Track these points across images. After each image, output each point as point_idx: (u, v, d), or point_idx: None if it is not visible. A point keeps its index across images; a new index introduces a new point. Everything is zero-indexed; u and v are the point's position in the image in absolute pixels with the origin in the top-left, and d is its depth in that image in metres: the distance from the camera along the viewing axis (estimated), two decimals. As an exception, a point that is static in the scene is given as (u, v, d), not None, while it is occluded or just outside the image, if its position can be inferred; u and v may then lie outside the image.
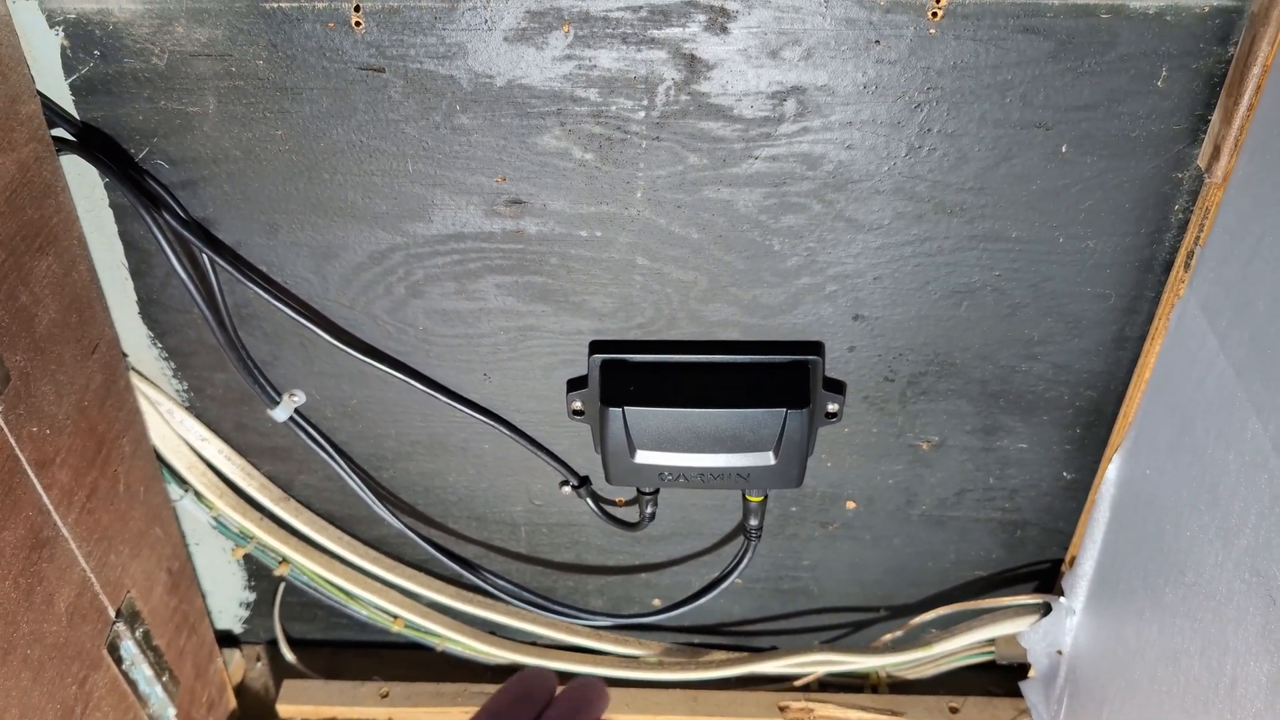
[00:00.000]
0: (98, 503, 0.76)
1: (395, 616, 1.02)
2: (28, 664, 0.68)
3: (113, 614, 0.79)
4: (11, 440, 0.66)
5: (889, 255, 0.76)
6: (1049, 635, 0.95)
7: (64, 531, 0.72)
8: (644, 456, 0.81)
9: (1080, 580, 0.90)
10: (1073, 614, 0.92)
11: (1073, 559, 0.92)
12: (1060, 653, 0.95)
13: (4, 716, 0.66)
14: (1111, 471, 0.84)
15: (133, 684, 0.82)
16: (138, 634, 0.82)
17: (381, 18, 0.66)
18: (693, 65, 0.67)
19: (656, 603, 1.04)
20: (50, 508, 0.70)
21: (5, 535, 0.65)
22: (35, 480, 0.69)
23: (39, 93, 0.69)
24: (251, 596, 1.06)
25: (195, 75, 0.69)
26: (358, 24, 0.66)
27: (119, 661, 0.80)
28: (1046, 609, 0.94)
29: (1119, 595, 0.84)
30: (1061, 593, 0.93)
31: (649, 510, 0.90)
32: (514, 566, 1.02)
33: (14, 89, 0.65)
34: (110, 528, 0.78)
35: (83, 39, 0.67)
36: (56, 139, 0.71)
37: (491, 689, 1.03)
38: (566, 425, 0.88)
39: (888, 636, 1.03)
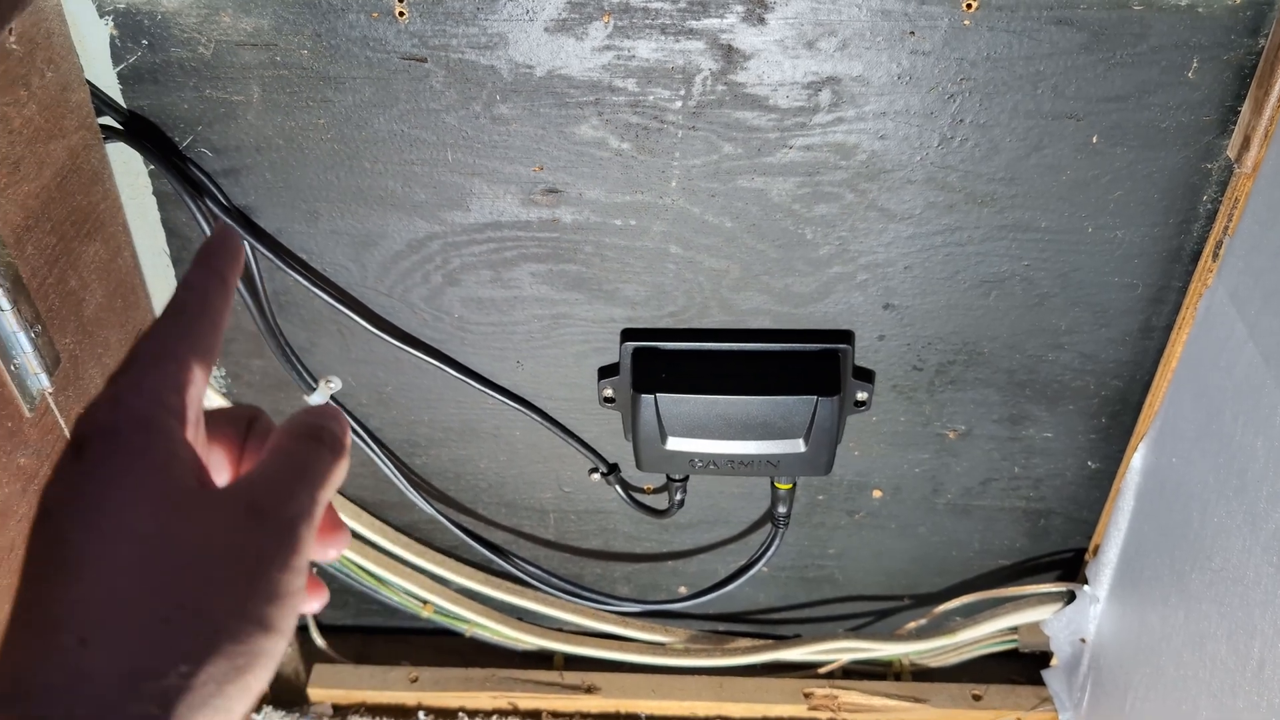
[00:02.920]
0: (140, 485, 0.77)
1: (425, 602, 1.03)
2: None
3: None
4: (61, 421, 0.67)
5: (920, 245, 0.77)
6: (1073, 623, 0.96)
7: (109, 512, 0.74)
8: (675, 443, 0.82)
9: (1105, 568, 0.91)
10: (1097, 602, 0.93)
11: (1097, 547, 0.93)
12: (1084, 640, 0.96)
13: None
14: (1137, 460, 0.85)
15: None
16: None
17: (425, 8, 0.67)
18: (730, 55, 0.68)
19: (683, 590, 1.05)
20: (97, 489, 0.72)
21: (55, 514, 0.67)
22: (83, 461, 0.70)
23: (87, 81, 0.70)
24: (283, 582, 1.08)
25: (240, 64, 0.70)
26: (401, 14, 0.67)
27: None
28: (1070, 597, 0.95)
29: (1144, 583, 0.85)
30: (1085, 581, 0.94)
31: (678, 497, 0.91)
32: (542, 553, 1.03)
33: (64, 77, 0.67)
34: (152, 510, 0.80)
35: (131, 28, 0.69)
36: (103, 127, 0.72)
37: (521, 674, 1.04)
38: (597, 413, 0.90)
39: (912, 624, 1.04)
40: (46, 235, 0.65)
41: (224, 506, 0.33)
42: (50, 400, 0.66)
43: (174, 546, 0.32)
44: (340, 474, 0.37)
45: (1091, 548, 0.95)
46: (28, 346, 0.63)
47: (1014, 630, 1.03)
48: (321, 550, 0.40)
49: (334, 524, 0.40)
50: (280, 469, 0.36)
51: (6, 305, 0.61)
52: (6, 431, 0.62)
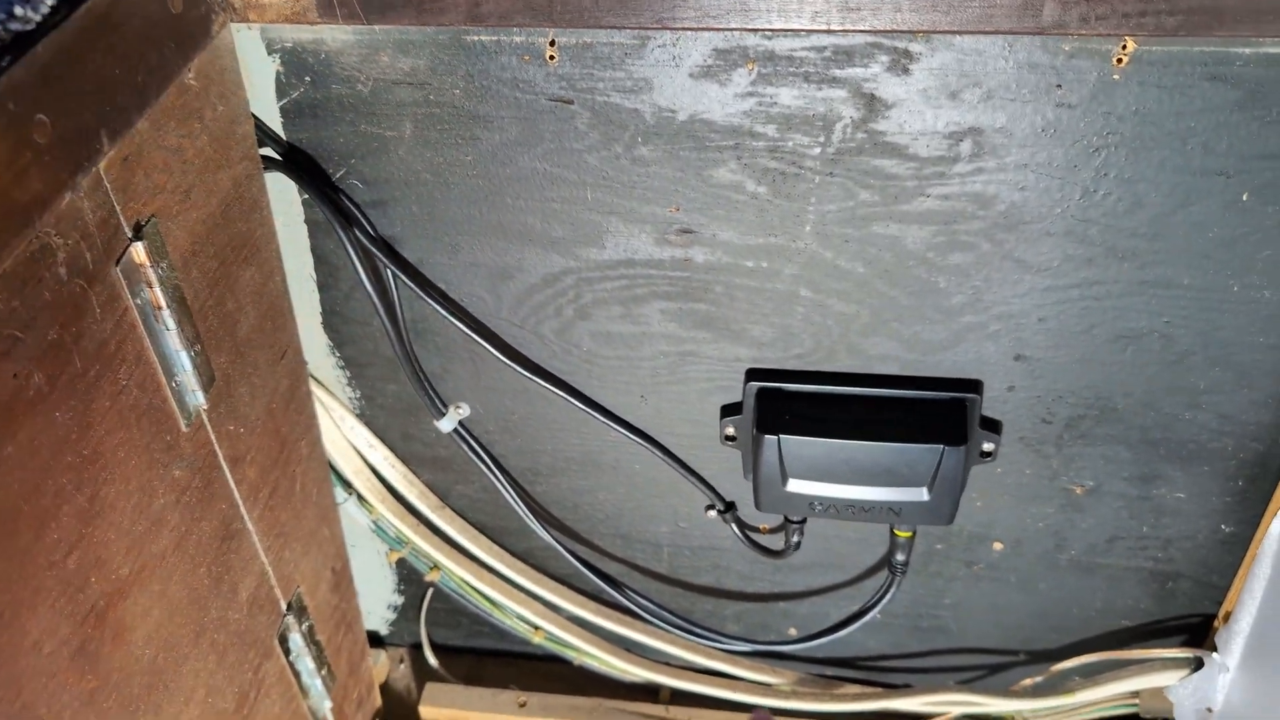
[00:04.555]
0: (278, 501, 0.81)
1: (536, 627, 1.05)
2: (214, 648, 0.73)
3: (284, 607, 0.84)
4: (213, 437, 0.71)
5: (1055, 297, 0.76)
6: (1199, 691, 0.93)
7: (249, 526, 0.77)
8: (796, 485, 0.82)
9: (1236, 637, 0.88)
10: (1226, 671, 0.90)
11: (1228, 614, 0.90)
12: (1210, 710, 0.93)
13: (193, 695, 0.70)
14: (1276, 526, 0.82)
15: (297, 675, 0.86)
16: (304, 628, 0.86)
17: (574, 52, 0.69)
18: (872, 104, 0.69)
19: (793, 632, 1.04)
20: (239, 502, 0.75)
21: (203, 526, 0.70)
22: (229, 476, 0.73)
23: (252, 114, 0.74)
24: (399, 600, 1.11)
25: (396, 102, 0.73)
26: (551, 58, 0.69)
27: (287, 653, 0.84)
28: (1198, 664, 0.92)
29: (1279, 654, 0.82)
30: (1214, 648, 0.91)
31: (795, 539, 0.91)
32: (654, 586, 1.04)
33: (233, 110, 0.70)
34: (286, 525, 0.83)
35: (296, 66, 0.72)
36: (264, 157, 0.76)
37: (627, 705, 1.05)
38: (717, 450, 0.90)
39: (1028, 681, 1.01)
40: (209, 260, 0.68)
41: None
42: (205, 416, 0.69)
43: None
44: None
45: (1222, 614, 0.92)
46: (188, 365, 0.66)
47: (1135, 694, 0.99)
48: None
49: None
50: None
51: (172, 325, 0.64)
52: (165, 445, 0.65)
